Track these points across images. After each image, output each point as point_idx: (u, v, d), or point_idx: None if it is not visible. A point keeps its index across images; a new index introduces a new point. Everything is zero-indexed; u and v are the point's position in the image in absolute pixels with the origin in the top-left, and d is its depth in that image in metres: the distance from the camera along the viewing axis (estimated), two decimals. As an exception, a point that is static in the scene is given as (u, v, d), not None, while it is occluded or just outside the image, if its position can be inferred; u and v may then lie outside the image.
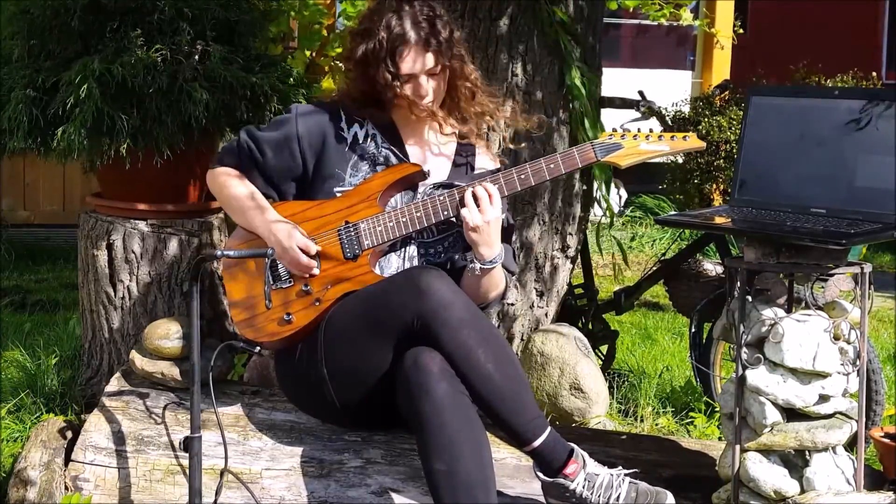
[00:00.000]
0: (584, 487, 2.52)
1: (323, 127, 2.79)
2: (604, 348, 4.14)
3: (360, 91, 2.79)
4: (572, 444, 2.57)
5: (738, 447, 2.56)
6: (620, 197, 8.75)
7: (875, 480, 2.70)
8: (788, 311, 2.62)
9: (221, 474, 2.64)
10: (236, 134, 3.43)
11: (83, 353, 3.57)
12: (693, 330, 3.77)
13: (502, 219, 2.85)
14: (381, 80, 2.71)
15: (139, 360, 2.92)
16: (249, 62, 3.46)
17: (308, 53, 5.14)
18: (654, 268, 4.13)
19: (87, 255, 3.39)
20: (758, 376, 2.51)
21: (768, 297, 2.63)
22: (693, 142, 2.73)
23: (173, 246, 3.36)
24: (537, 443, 2.53)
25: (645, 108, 4.20)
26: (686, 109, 7.30)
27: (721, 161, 6.83)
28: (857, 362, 2.57)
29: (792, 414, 2.55)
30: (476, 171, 2.87)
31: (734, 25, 8.39)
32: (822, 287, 2.64)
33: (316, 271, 2.70)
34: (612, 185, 3.80)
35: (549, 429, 2.55)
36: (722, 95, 7.18)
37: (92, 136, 3.20)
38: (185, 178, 3.44)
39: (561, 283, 3.83)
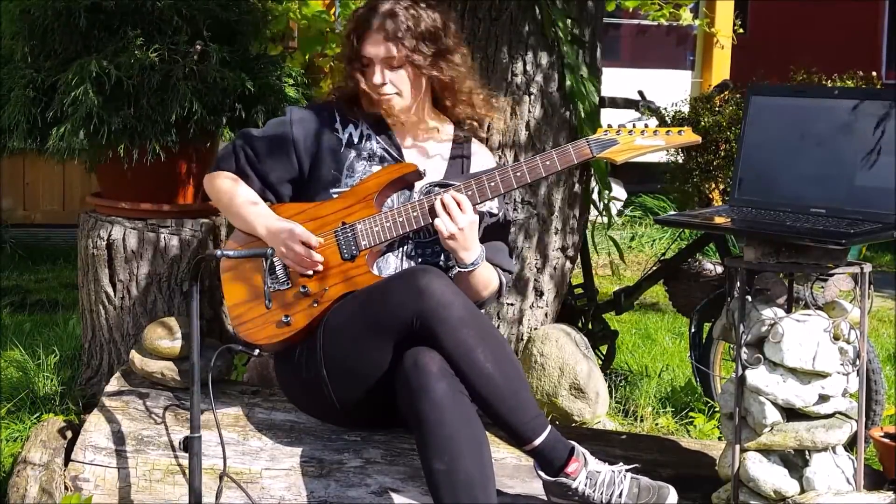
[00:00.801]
0: (586, 485, 2.52)
1: (318, 129, 2.79)
2: (604, 348, 4.14)
3: (350, 87, 2.80)
4: (573, 443, 2.57)
5: (737, 447, 2.56)
6: (618, 201, 8.74)
7: (875, 480, 2.70)
8: (788, 310, 2.62)
9: (221, 478, 2.64)
10: (234, 134, 3.45)
11: (83, 353, 3.57)
12: (693, 330, 3.77)
13: (499, 216, 2.86)
14: (347, 60, 2.74)
15: (139, 360, 2.92)
16: (248, 62, 3.46)
17: (306, 56, 5.14)
18: (654, 268, 4.13)
19: (87, 255, 3.39)
20: (758, 376, 2.51)
21: (768, 297, 2.63)
22: (688, 136, 2.73)
23: (173, 246, 3.36)
24: (538, 442, 2.53)
25: (645, 107, 4.20)
26: (686, 109, 7.29)
27: (721, 161, 6.82)
28: (857, 362, 2.57)
29: (792, 414, 2.55)
30: (472, 169, 2.87)
31: (734, 25, 8.39)
32: (822, 287, 2.64)
33: (320, 266, 2.70)
34: (612, 186, 3.80)
35: (549, 428, 2.55)
36: (722, 95, 7.17)
37: (89, 136, 3.20)
38: (185, 177, 3.44)
39: (561, 283, 3.83)
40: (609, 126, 2.74)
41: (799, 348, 2.49)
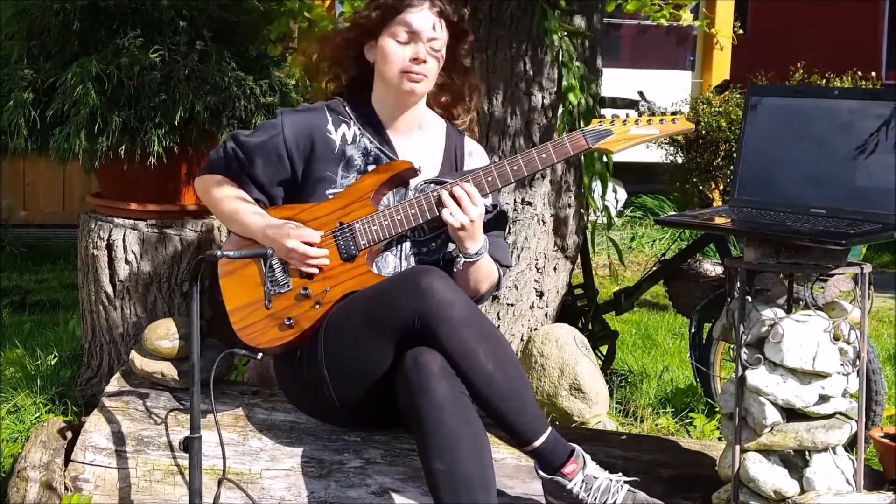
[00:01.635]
0: (581, 488, 2.52)
1: (310, 130, 2.78)
2: (604, 348, 4.14)
3: (350, 75, 2.78)
4: (574, 445, 2.57)
5: (737, 447, 2.56)
6: (618, 200, 8.73)
7: (875, 480, 2.70)
8: (788, 311, 2.62)
9: (220, 483, 2.64)
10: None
11: (83, 353, 3.57)
12: (693, 330, 3.77)
13: (495, 210, 2.86)
14: (381, 26, 2.71)
15: (139, 361, 2.92)
16: (248, 62, 3.46)
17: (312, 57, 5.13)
18: (654, 268, 4.13)
19: (87, 255, 3.39)
20: (758, 376, 2.51)
21: (768, 298, 2.63)
22: (682, 124, 2.73)
23: (173, 246, 3.36)
24: (538, 442, 2.53)
25: (645, 108, 4.20)
26: (686, 109, 7.29)
27: (721, 161, 6.83)
28: (857, 362, 2.57)
29: (792, 414, 2.55)
30: (466, 166, 2.87)
31: (734, 26, 8.39)
32: (822, 287, 2.64)
33: (325, 261, 2.70)
34: (612, 186, 3.80)
35: (549, 428, 2.55)
36: (722, 96, 7.18)
37: (90, 137, 3.20)
38: (185, 178, 3.44)
39: (561, 283, 3.83)
40: (603, 117, 2.75)
41: (799, 349, 2.49)
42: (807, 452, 2.56)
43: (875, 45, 11.34)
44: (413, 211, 2.70)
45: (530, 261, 3.68)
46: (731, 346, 2.65)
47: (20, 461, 2.80)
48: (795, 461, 2.58)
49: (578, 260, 4.01)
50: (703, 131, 6.75)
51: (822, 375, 2.51)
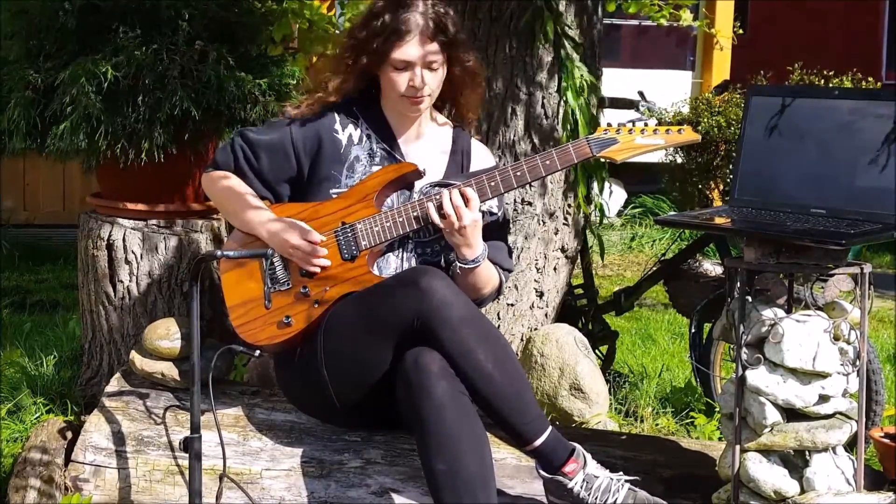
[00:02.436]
0: (581, 487, 2.52)
1: (317, 129, 2.78)
2: (604, 348, 4.14)
3: (354, 81, 2.78)
4: (575, 444, 2.58)
5: (738, 447, 2.56)
6: (612, 198, 8.73)
7: (875, 480, 2.70)
8: (788, 311, 2.62)
9: (221, 479, 2.64)
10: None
11: (83, 353, 3.57)
12: (693, 330, 3.77)
13: (498, 215, 2.86)
14: (373, 64, 2.71)
15: (139, 361, 2.92)
16: (248, 62, 3.46)
17: (313, 58, 5.12)
18: (654, 268, 4.13)
19: (87, 255, 3.39)
20: (758, 376, 2.51)
21: (768, 298, 2.63)
22: (688, 135, 2.73)
23: (173, 246, 3.36)
24: (538, 442, 2.53)
25: (645, 108, 4.20)
26: (686, 110, 7.29)
27: (720, 161, 6.82)
28: (857, 362, 2.57)
29: (792, 414, 2.55)
30: (472, 168, 2.87)
31: (734, 26, 8.39)
32: (822, 287, 2.63)
33: (326, 262, 2.70)
34: (612, 186, 3.80)
35: (549, 428, 2.55)
36: (721, 96, 7.17)
37: (88, 136, 3.20)
38: (185, 177, 3.44)
39: (561, 283, 3.83)
40: (609, 125, 2.75)
41: (799, 349, 2.49)
42: (807, 452, 2.56)
43: (875, 45, 11.34)
44: (416, 213, 2.70)
45: (530, 261, 3.68)
46: (731, 346, 2.65)
47: (20, 461, 2.80)
48: (795, 461, 2.58)
49: (578, 260, 4.01)
50: (703, 132, 6.74)
51: (822, 375, 2.51)
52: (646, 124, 2.73)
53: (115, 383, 2.97)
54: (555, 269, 3.78)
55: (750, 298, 2.58)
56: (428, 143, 2.86)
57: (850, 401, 2.60)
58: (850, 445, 2.61)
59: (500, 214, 2.88)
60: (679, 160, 7.31)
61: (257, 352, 2.69)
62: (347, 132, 2.81)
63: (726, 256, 3.01)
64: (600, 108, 3.84)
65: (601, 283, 5.62)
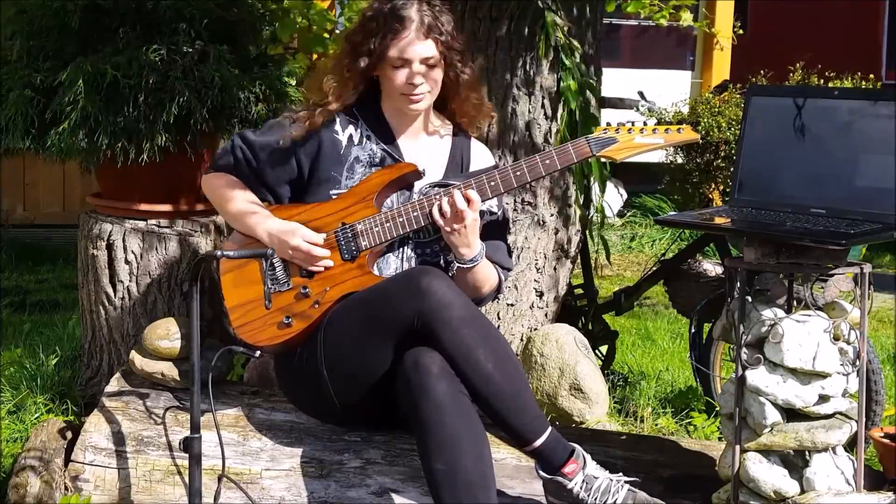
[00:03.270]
0: (581, 488, 2.52)
1: (318, 130, 2.78)
2: (604, 349, 4.14)
3: (354, 86, 2.78)
4: (574, 445, 2.58)
5: (737, 447, 2.56)
6: (612, 198, 8.73)
7: (875, 480, 2.70)
8: (788, 311, 2.62)
9: (219, 479, 2.64)
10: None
11: (83, 353, 3.57)
12: (693, 330, 3.77)
13: (497, 214, 2.87)
14: (371, 65, 2.70)
15: (139, 361, 2.92)
16: (248, 62, 3.46)
17: (314, 57, 5.12)
18: (654, 268, 4.13)
19: (87, 255, 3.39)
20: (758, 376, 2.51)
21: (768, 298, 2.63)
22: (687, 134, 2.73)
23: (173, 246, 3.36)
24: (538, 442, 2.53)
25: (644, 108, 4.20)
26: (686, 110, 7.29)
27: (720, 161, 6.83)
28: (857, 362, 2.57)
29: (792, 414, 2.55)
30: (472, 168, 2.87)
31: (734, 26, 8.39)
32: (822, 287, 2.63)
33: (329, 262, 2.70)
34: (612, 186, 3.80)
35: (549, 428, 2.55)
36: (721, 96, 7.18)
37: (88, 136, 3.20)
38: (184, 178, 3.44)
39: (561, 283, 3.83)
40: (608, 124, 2.75)
41: (799, 349, 2.49)
42: (807, 452, 2.56)
43: (875, 45, 11.33)
44: (416, 214, 2.70)
45: (530, 261, 3.68)
46: (731, 346, 2.65)
47: (20, 461, 2.80)
48: (795, 461, 2.58)
49: (578, 260, 4.01)
50: (703, 132, 6.75)
51: (822, 375, 2.51)
52: (645, 123, 2.74)
53: (115, 383, 2.97)
54: (555, 269, 3.78)
55: (750, 298, 2.58)
56: (427, 143, 2.87)
57: (850, 401, 2.60)
58: (850, 445, 2.61)
59: (499, 214, 2.89)
60: (679, 160, 7.31)
61: (257, 352, 2.69)
62: (347, 133, 2.81)
63: (726, 256, 3.01)
64: (600, 108, 3.84)
65: (601, 283, 5.62)
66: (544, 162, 2.70)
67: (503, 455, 2.76)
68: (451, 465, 2.39)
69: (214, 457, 2.66)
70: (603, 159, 2.81)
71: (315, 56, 5.12)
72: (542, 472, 2.56)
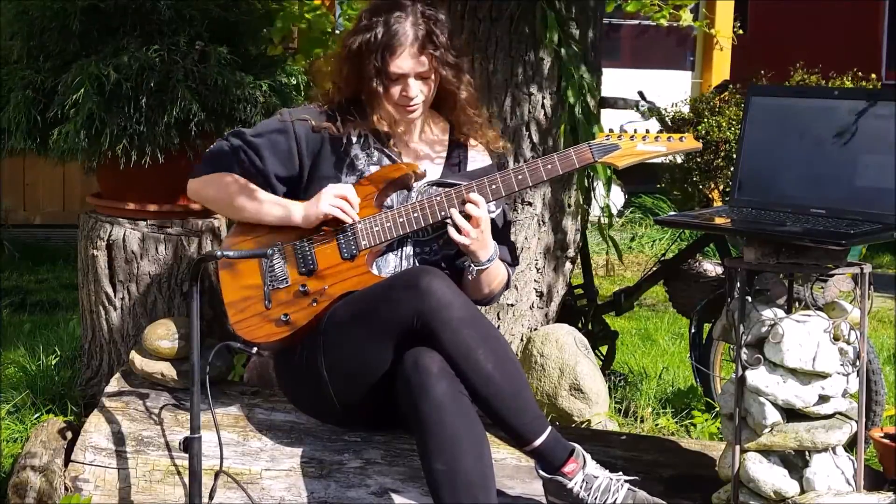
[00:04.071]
0: (581, 488, 2.52)
1: (322, 128, 2.78)
2: (604, 349, 4.14)
3: (350, 91, 2.78)
4: (574, 444, 2.58)
5: (737, 447, 2.56)
6: (615, 196, 8.72)
7: (875, 481, 2.70)
8: (788, 311, 2.62)
9: (216, 476, 2.63)
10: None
11: (83, 353, 3.57)
12: (693, 330, 3.77)
13: (496, 214, 2.86)
14: (369, 76, 2.71)
15: (139, 361, 2.92)
16: (248, 63, 3.46)
17: (310, 58, 5.12)
18: (654, 268, 4.13)
19: (87, 255, 3.39)
20: (758, 377, 2.51)
21: (768, 298, 2.63)
22: (689, 143, 2.74)
23: (173, 246, 3.36)
24: (538, 442, 2.53)
25: (645, 108, 4.20)
26: (686, 110, 7.29)
27: (720, 161, 6.82)
28: (857, 363, 2.57)
29: (792, 414, 2.55)
30: (469, 168, 2.87)
31: (734, 26, 8.39)
32: (822, 287, 2.63)
33: (356, 199, 2.70)
34: (613, 185, 3.81)
35: (549, 428, 2.55)
36: (721, 96, 7.18)
37: (89, 138, 3.20)
38: (185, 177, 3.42)
39: (561, 283, 3.83)
40: (611, 131, 2.76)
41: (799, 349, 2.49)
42: (807, 452, 2.56)
43: (875, 45, 11.33)
44: (416, 214, 2.70)
45: (530, 261, 3.68)
46: (731, 346, 2.65)
47: (20, 461, 2.80)
48: (795, 461, 2.58)
49: (578, 260, 4.01)
50: (703, 132, 6.75)
51: (822, 376, 2.51)
52: (647, 130, 2.75)
53: (114, 383, 2.97)
54: (555, 269, 3.78)
55: (750, 298, 2.58)
56: (426, 142, 2.87)
57: (850, 401, 2.60)
58: (850, 445, 2.61)
59: (497, 214, 2.88)
60: (679, 160, 7.31)
61: (255, 349, 2.69)
62: (348, 131, 2.80)
63: (726, 256, 3.01)
64: (600, 109, 3.84)
65: (601, 283, 5.62)
66: (546, 166, 2.70)
67: (503, 455, 2.76)
68: (451, 465, 2.39)
69: (214, 457, 2.66)
70: (604, 165, 2.82)
71: (315, 56, 5.12)
72: (541, 472, 2.56)
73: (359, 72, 2.73)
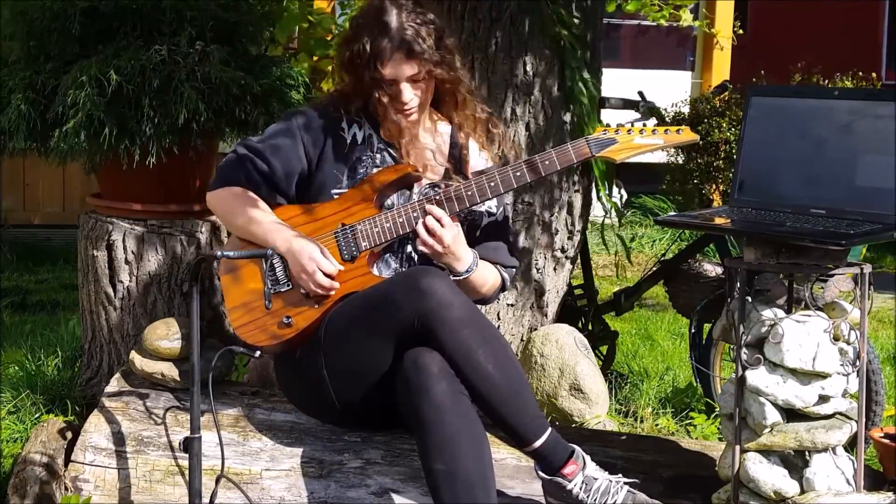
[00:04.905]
0: (580, 489, 2.52)
1: (325, 127, 2.79)
2: (604, 349, 4.14)
3: (353, 91, 2.79)
4: (574, 446, 2.58)
5: (737, 447, 2.56)
6: (622, 196, 8.73)
7: (875, 481, 2.70)
8: (788, 311, 2.62)
9: (217, 480, 2.63)
10: (235, 135, 3.43)
11: (83, 353, 3.57)
12: (693, 330, 3.77)
13: (497, 214, 2.87)
14: (368, 86, 2.72)
15: (139, 361, 2.92)
16: (249, 63, 3.46)
17: (314, 59, 5.11)
18: (654, 268, 4.13)
19: (87, 255, 3.39)
20: (758, 377, 2.51)
21: (768, 298, 2.63)
22: (686, 135, 2.74)
23: (173, 246, 3.36)
24: (538, 443, 2.53)
25: (645, 108, 4.20)
26: (686, 110, 7.29)
27: (721, 161, 6.83)
28: (857, 363, 2.57)
29: (792, 414, 2.55)
30: (471, 168, 2.87)
31: (734, 26, 8.39)
32: (822, 287, 2.63)
33: (332, 291, 2.69)
34: (614, 185, 3.81)
35: (549, 429, 2.55)
36: (721, 96, 7.18)
37: (90, 138, 3.20)
38: (185, 178, 3.44)
39: (561, 283, 3.83)
40: (608, 125, 2.75)
41: (799, 349, 2.49)
42: (807, 453, 2.56)
43: (875, 45, 11.33)
44: (416, 214, 2.70)
45: (530, 261, 3.68)
46: (731, 346, 2.65)
47: (20, 461, 2.80)
48: (795, 461, 2.58)
49: (578, 260, 4.01)
50: (704, 132, 6.75)
51: (822, 376, 2.51)
52: (644, 124, 2.74)
53: (115, 383, 2.97)
54: (555, 269, 3.78)
55: (750, 298, 2.58)
56: (426, 143, 2.86)
57: (850, 401, 2.60)
58: (850, 445, 2.61)
59: (498, 214, 2.89)
60: (679, 160, 7.31)
61: (257, 352, 2.69)
62: (352, 132, 2.81)
63: (726, 256, 3.01)
64: (600, 109, 3.84)
65: (601, 283, 5.62)
66: (543, 163, 2.70)
67: (503, 455, 2.76)
68: (451, 465, 2.39)
69: (214, 457, 2.66)
70: (602, 160, 2.81)
71: (315, 58, 5.12)
72: (541, 473, 2.56)
73: (359, 80, 2.74)
